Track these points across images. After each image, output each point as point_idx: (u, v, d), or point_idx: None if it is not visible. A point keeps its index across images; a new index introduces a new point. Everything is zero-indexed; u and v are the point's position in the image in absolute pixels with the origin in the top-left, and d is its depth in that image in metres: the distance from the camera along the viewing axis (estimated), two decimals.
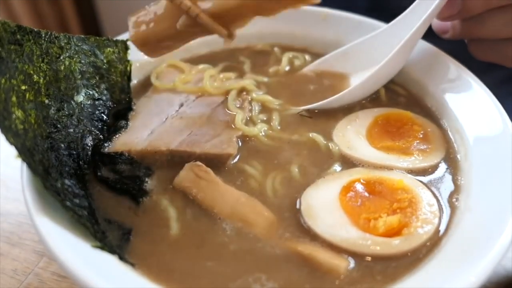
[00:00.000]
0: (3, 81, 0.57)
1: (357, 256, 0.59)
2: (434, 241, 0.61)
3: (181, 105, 0.82)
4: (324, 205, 0.64)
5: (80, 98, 0.72)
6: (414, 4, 0.83)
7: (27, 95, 0.61)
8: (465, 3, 0.73)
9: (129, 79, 0.84)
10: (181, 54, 0.95)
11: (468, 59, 0.81)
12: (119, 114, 0.78)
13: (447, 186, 0.69)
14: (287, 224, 0.63)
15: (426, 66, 0.86)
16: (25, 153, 0.55)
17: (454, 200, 0.66)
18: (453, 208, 0.65)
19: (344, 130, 0.78)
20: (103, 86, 0.77)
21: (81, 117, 0.71)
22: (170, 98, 0.83)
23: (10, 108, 0.56)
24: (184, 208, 0.65)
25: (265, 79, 0.90)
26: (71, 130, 0.68)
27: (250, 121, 0.79)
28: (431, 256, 0.59)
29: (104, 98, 0.76)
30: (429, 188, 0.67)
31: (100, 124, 0.73)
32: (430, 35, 0.83)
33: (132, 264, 0.57)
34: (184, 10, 0.68)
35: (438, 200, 0.66)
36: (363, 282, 0.56)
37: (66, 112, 0.68)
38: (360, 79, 0.83)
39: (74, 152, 0.66)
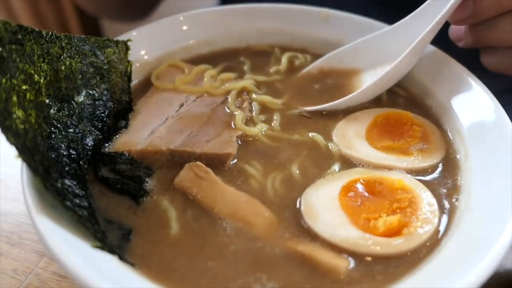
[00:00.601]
0: (4, 80, 0.56)
1: (357, 256, 0.59)
2: (434, 241, 0.61)
3: (181, 105, 0.82)
4: (324, 205, 0.64)
5: (80, 98, 0.72)
6: (426, 2, 0.81)
7: (28, 95, 0.61)
8: (477, 6, 0.72)
9: (129, 79, 0.84)
10: (181, 54, 0.95)
11: (474, 66, 0.80)
12: (120, 114, 0.78)
13: (447, 186, 0.69)
14: (287, 224, 0.63)
15: (427, 66, 0.85)
16: (25, 153, 0.55)
17: (454, 200, 0.66)
18: (453, 208, 0.65)
19: (344, 130, 0.77)
20: (103, 86, 0.77)
21: (81, 117, 0.71)
22: (171, 98, 0.83)
23: (10, 108, 0.56)
24: (184, 208, 0.65)
25: (265, 79, 0.90)
26: (72, 130, 0.68)
27: (250, 121, 0.79)
28: (431, 256, 0.59)
29: (104, 98, 0.76)
30: (429, 188, 0.67)
31: (100, 124, 0.73)
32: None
33: (132, 264, 0.57)
34: None
35: (438, 200, 0.66)
36: (363, 282, 0.56)
37: (67, 112, 0.68)
38: (373, 75, 0.82)
39: (74, 152, 0.66)
